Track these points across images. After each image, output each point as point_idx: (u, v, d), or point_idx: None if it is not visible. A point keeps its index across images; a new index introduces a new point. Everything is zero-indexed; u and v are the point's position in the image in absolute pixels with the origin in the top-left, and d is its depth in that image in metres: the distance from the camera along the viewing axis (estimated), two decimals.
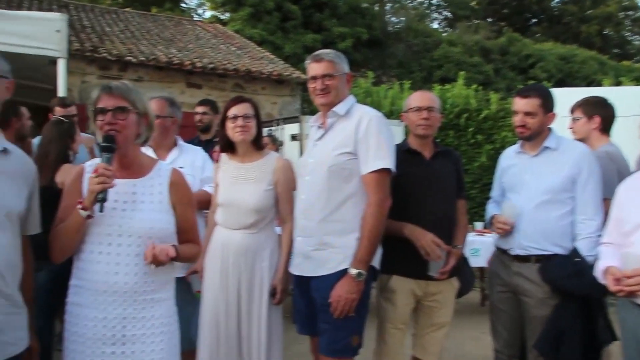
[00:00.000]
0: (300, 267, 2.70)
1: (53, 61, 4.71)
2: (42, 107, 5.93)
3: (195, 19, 20.48)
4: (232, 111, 2.94)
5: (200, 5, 26.75)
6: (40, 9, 11.94)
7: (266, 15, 18.85)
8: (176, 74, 10.17)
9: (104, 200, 1.98)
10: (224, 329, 2.88)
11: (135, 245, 2.06)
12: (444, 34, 28.37)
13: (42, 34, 4.48)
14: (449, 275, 2.84)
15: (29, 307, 2.09)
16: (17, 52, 4.44)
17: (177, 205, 2.19)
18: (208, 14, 23.58)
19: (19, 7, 11.76)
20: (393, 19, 28.22)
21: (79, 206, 2.01)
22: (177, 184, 2.22)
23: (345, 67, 2.71)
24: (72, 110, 4.48)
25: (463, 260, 3.01)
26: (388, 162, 2.53)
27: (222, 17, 21.11)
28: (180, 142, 3.37)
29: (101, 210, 2.00)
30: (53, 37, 4.51)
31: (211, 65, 10.37)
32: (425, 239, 2.72)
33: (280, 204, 2.96)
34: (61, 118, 3.72)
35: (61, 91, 4.60)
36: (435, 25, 32.34)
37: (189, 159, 3.30)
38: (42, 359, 3.46)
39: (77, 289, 2.11)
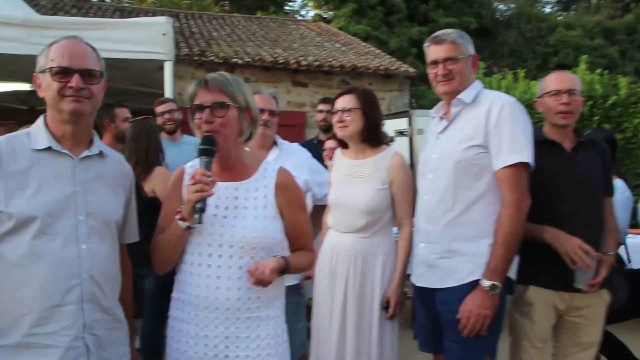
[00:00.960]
0: (423, 278, 2.38)
1: (161, 66, 4.72)
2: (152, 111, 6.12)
3: (300, 19, 20.67)
4: (335, 104, 2.72)
5: (303, 6, 27.07)
6: None
7: (370, 10, 18.55)
8: (282, 73, 10.16)
9: (202, 210, 1.77)
10: (326, 340, 2.67)
11: (237, 257, 1.84)
12: (559, 18, 26.57)
13: (149, 38, 4.50)
14: (598, 287, 2.40)
15: (129, 318, 1.98)
16: (128, 57, 4.52)
17: (284, 209, 1.93)
18: (311, 13, 23.71)
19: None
20: (501, 6, 26.87)
21: (177, 216, 1.83)
22: (285, 185, 1.95)
23: (470, 49, 2.36)
24: (172, 105, 4.47)
25: (615, 269, 2.55)
26: (525, 155, 2.17)
27: (325, 15, 21.10)
28: (280, 140, 3.10)
29: (200, 222, 1.79)
30: (159, 41, 4.51)
31: (316, 63, 10.26)
32: (570, 245, 2.30)
33: (397, 206, 2.67)
34: (146, 117, 3.63)
35: (168, 93, 4.60)
36: (547, 9, 30.39)
37: (291, 160, 3.03)
38: None
39: (178, 303, 1.94)
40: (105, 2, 19.58)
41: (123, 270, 1.94)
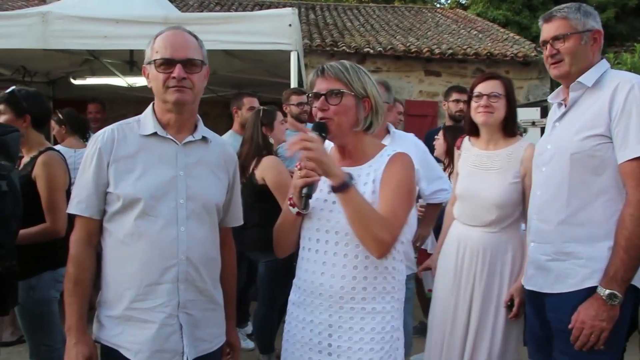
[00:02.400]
0: (533, 280, 2.19)
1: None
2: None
3: (436, 6, 20.13)
4: (478, 89, 2.58)
5: None
6: None
7: None
8: (414, 62, 9.96)
9: (308, 196, 1.76)
10: (448, 337, 2.57)
11: (342, 244, 1.79)
12: None
13: (276, 29, 4.60)
14: None
15: (231, 301, 2.04)
16: (255, 49, 4.68)
17: (382, 186, 1.81)
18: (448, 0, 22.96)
19: None
20: None
21: (289, 202, 1.85)
22: (391, 164, 1.83)
23: (589, 23, 2.06)
24: (304, 98, 4.52)
25: None
26: None
27: (462, 1, 20.33)
28: (392, 129, 3.03)
29: (304, 207, 1.79)
30: (286, 32, 4.60)
31: (450, 51, 9.92)
32: None
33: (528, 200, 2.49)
34: (263, 107, 3.73)
35: (293, 83, 4.69)
36: None
37: (402, 149, 2.95)
38: (265, 348, 3.66)
39: (294, 287, 1.96)
40: None
41: (225, 254, 2.00)
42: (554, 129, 2.18)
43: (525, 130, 6.47)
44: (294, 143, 1.68)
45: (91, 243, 1.85)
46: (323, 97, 1.80)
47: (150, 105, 1.93)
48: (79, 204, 1.82)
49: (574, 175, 2.00)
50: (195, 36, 1.90)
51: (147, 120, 1.88)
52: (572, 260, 2.00)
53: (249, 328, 4.28)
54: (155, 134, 1.85)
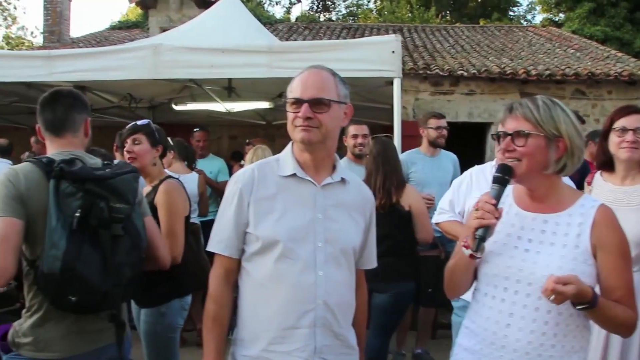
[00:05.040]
0: None
1: (388, 82, 4.79)
2: (382, 125, 6.28)
3: (525, 25, 19.52)
4: (620, 122, 2.45)
5: (529, 10, 25.55)
6: (378, 35, 12.89)
7: (610, 9, 16.62)
8: (509, 84, 9.62)
9: (482, 239, 1.67)
10: None
11: (535, 297, 1.66)
12: None
13: (379, 56, 4.57)
14: None
15: (361, 344, 1.99)
16: (360, 76, 4.65)
17: (599, 252, 1.68)
18: (539, 18, 22.27)
19: (362, 35, 12.89)
20: None
21: (463, 242, 1.74)
22: (603, 224, 1.70)
23: None
24: (444, 122, 4.77)
25: None
26: None
27: (555, 18, 19.60)
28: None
29: (476, 250, 1.68)
30: (388, 59, 4.56)
31: (547, 72, 9.51)
32: None
33: None
34: (386, 135, 3.74)
35: (396, 109, 4.63)
36: None
37: None
38: None
39: (467, 331, 1.85)
40: (332, 22, 20.83)
41: (358, 296, 1.95)
42: None
43: None
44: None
45: (229, 281, 1.86)
46: (509, 137, 1.70)
47: (289, 144, 1.91)
48: (219, 242, 1.84)
49: None
50: (333, 74, 1.86)
51: (286, 161, 1.87)
52: None
53: None
54: (294, 175, 1.83)
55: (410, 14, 21.61)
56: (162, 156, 3.04)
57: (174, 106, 6.96)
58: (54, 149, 2.08)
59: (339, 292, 1.81)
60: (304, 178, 1.82)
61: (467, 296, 1.96)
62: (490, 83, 9.51)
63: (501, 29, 14.91)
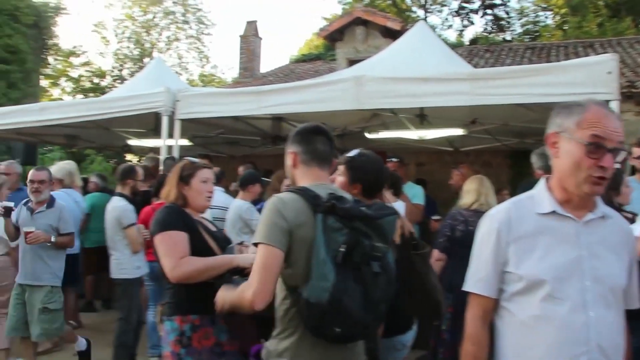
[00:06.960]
0: None
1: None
2: None
3: None
4: None
5: None
6: (566, 54, 12.11)
7: None
8: None
9: None
10: None
11: None
12: None
13: (593, 78, 4.29)
14: None
15: None
16: (571, 100, 4.39)
17: None
18: None
19: (548, 54, 12.23)
20: None
21: None
22: None
23: None
24: None
25: None
26: None
27: None
28: None
29: None
30: (604, 80, 4.26)
31: None
32: None
33: None
34: None
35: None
36: None
37: None
38: None
39: None
40: (513, 42, 19.99)
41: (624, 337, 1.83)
42: None
43: None
44: None
45: (486, 321, 1.86)
46: None
47: (543, 180, 1.86)
48: (477, 282, 1.85)
49: None
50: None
51: (542, 198, 1.83)
52: None
53: None
54: (553, 212, 1.78)
55: (599, 27, 19.96)
56: (371, 194, 2.96)
57: (367, 134, 7.18)
58: (310, 180, 2.12)
59: (611, 335, 1.72)
60: (565, 215, 1.77)
61: None
62: None
63: None
